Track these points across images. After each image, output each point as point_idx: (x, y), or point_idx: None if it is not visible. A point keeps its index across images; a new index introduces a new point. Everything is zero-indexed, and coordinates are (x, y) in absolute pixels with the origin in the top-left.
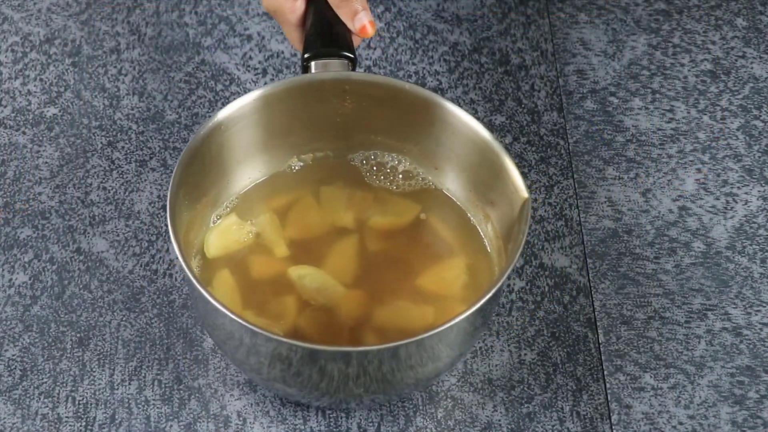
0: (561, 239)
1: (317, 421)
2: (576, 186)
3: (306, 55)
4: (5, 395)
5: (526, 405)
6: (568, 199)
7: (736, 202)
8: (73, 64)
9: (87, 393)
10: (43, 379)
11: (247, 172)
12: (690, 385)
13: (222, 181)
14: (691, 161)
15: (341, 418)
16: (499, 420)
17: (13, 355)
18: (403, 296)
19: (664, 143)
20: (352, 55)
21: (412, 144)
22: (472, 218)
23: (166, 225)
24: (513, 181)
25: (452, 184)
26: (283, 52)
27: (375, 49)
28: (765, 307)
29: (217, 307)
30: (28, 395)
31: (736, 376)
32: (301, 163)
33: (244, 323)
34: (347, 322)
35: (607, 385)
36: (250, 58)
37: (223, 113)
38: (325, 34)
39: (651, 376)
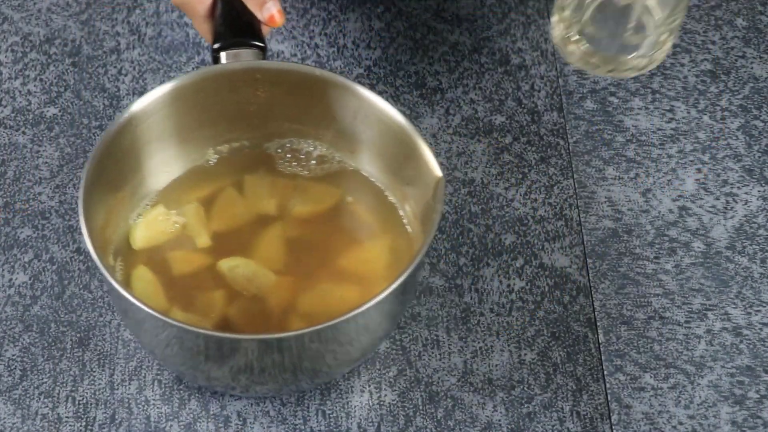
0: (561, 239)
1: (317, 421)
2: (576, 186)
3: (215, 46)
4: (5, 395)
5: (526, 405)
6: (568, 199)
7: (736, 202)
8: (73, 64)
9: (87, 393)
10: (43, 379)
11: (164, 166)
12: (690, 385)
13: (138, 176)
14: (691, 161)
15: (341, 418)
16: (499, 420)
17: (13, 355)
18: (328, 279)
19: (664, 143)
20: (262, 44)
21: (327, 129)
22: (391, 199)
23: (78, 223)
24: (426, 162)
25: (369, 166)
26: (283, 52)
27: (375, 49)
28: (765, 307)
29: (135, 304)
30: (28, 395)
31: (736, 376)
32: (217, 155)
33: (166, 319)
34: (276, 309)
35: (607, 385)
36: None
37: (134, 108)
38: (233, 24)
39: (651, 376)
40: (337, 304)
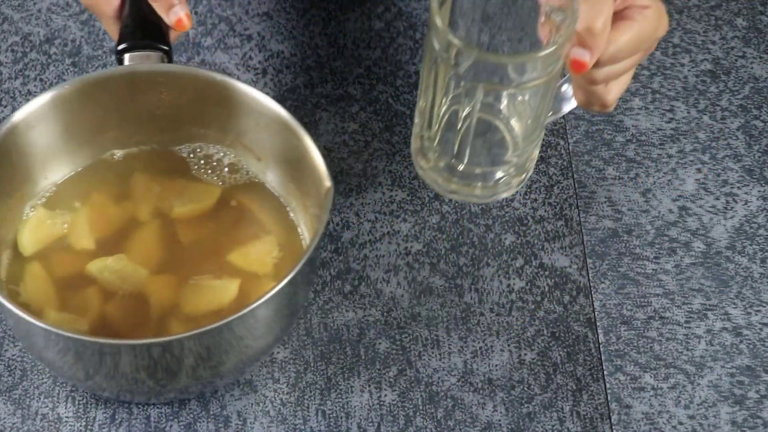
0: (561, 239)
1: (317, 421)
2: (576, 186)
3: (119, 48)
4: (5, 395)
5: (526, 405)
6: (568, 199)
7: (736, 202)
8: (73, 64)
9: (87, 393)
10: (43, 379)
11: (64, 166)
12: (690, 385)
13: (34, 176)
14: (691, 161)
15: (341, 418)
16: (499, 420)
17: (13, 355)
18: (210, 277)
19: (664, 143)
20: (167, 47)
21: (234, 136)
22: (290, 211)
23: None
24: (319, 172)
25: (272, 174)
26: (283, 52)
27: (375, 49)
28: (765, 307)
29: (9, 307)
30: (28, 395)
31: (736, 376)
32: (122, 158)
33: (37, 323)
34: (155, 308)
35: (607, 385)
36: (250, 58)
37: (17, 116)
38: (140, 26)
39: (651, 376)
40: (219, 302)
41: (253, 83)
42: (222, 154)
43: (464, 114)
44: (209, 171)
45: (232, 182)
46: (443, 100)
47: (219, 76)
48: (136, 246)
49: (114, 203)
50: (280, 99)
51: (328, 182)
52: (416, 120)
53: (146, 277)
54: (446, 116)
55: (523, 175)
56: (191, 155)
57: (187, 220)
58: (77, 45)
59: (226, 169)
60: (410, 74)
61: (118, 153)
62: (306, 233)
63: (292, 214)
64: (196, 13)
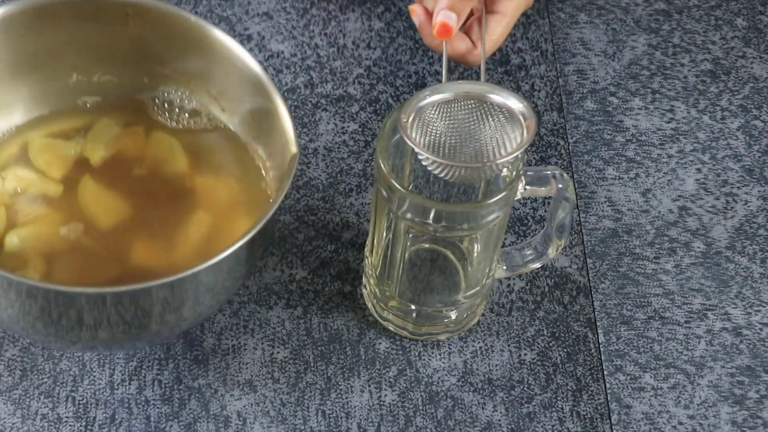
0: None
1: (317, 421)
2: (576, 186)
3: None
4: (5, 395)
5: (526, 405)
6: None
7: (736, 202)
8: None
9: (87, 393)
10: (43, 379)
11: (22, 92)
12: (690, 385)
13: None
14: (691, 161)
15: (341, 418)
16: (499, 420)
17: (13, 355)
18: (170, 212)
19: (664, 143)
20: None
21: (200, 82)
22: (255, 162)
23: None
24: (286, 136)
25: (237, 127)
26: (283, 52)
27: (375, 49)
28: (765, 307)
29: None
30: (28, 395)
31: (736, 376)
32: (83, 85)
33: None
34: (113, 247)
35: (607, 385)
36: None
37: None
38: None
39: (651, 376)
40: (182, 231)
41: None
42: (185, 98)
43: (401, 247)
44: (167, 114)
45: (191, 126)
46: (383, 233)
47: (194, 18)
48: (88, 189)
49: (62, 143)
50: (280, 99)
51: (294, 148)
52: (367, 278)
53: (58, 191)
54: (387, 247)
55: (481, 308)
56: (154, 99)
57: (144, 163)
58: None
59: (187, 114)
60: (410, 74)
61: (78, 83)
62: (270, 185)
63: (257, 163)
64: (196, 12)
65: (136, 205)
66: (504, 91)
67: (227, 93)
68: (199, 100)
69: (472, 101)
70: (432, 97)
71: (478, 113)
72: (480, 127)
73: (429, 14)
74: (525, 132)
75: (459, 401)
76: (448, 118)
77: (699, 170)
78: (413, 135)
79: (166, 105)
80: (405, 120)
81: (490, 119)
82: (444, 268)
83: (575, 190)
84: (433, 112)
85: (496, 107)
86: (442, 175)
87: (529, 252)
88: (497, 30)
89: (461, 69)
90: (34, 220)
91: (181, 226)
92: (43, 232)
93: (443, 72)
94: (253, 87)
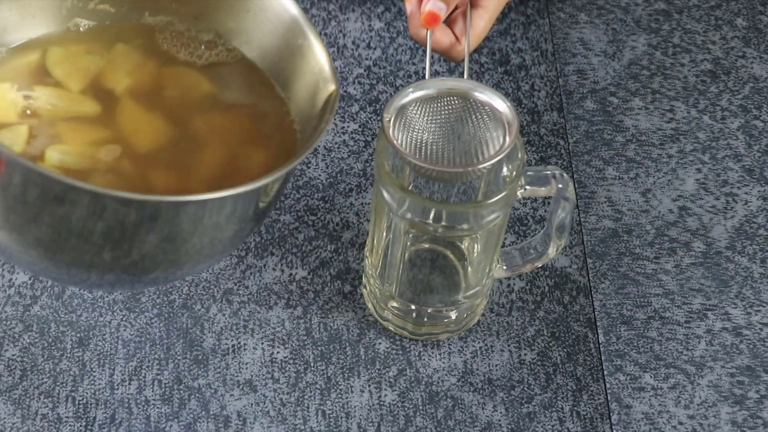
0: None
1: (317, 421)
2: (576, 186)
3: None
4: (5, 395)
5: (526, 405)
6: None
7: (736, 202)
8: None
9: (87, 393)
10: (43, 379)
11: (26, 21)
12: (690, 385)
13: None
14: (691, 161)
15: (341, 418)
16: (499, 420)
17: (13, 355)
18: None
19: (664, 143)
20: None
21: (223, 14)
22: (278, 93)
23: None
24: (324, 73)
25: (260, 61)
26: None
27: (375, 49)
28: (765, 307)
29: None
30: (28, 395)
31: (736, 376)
32: (89, 18)
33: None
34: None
35: (607, 385)
36: None
37: None
38: None
39: (651, 376)
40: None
41: None
42: (202, 32)
43: (400, 247)
44: (180, 45)
45: (211, 59)
46: (383, 233)
47: None
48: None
49: (93, 68)
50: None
51: (332, 85)
52: (367, 278)
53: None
54: (388, 247)
55: (481, 307)
56: (163, 30)
57: (167, 92)
58: None
59: (203, 46)
60: (410, 74)
61: (83, 23)
62: (298, 126)
63: (281, 95)
64: None
65: (166, 132)
66: (488, 89)
67: (246, 27)
68: (217, 32)
69: (455, 99)
70: (415, 94)
71: (462, 111)
72: (463, 126)
73: (420, 5)
74: (507, 135)
75: (459, 401)
76: (431, 117)
77: (699, 170)
78: (395, 134)
79: (173, 36)
80: (387, 119)
81: (474, 117)
82: (444, 268)
83: (575, 190)
84: (415, 110)
85: (479, 105)
86: (423, 175)
87: (529, 252)
88: (480, 24)
89: (450, 65)
90: (72, 140)
91: (204, 158)
92: (79, 151)
93: (426, 66)
94: (279, 20)
